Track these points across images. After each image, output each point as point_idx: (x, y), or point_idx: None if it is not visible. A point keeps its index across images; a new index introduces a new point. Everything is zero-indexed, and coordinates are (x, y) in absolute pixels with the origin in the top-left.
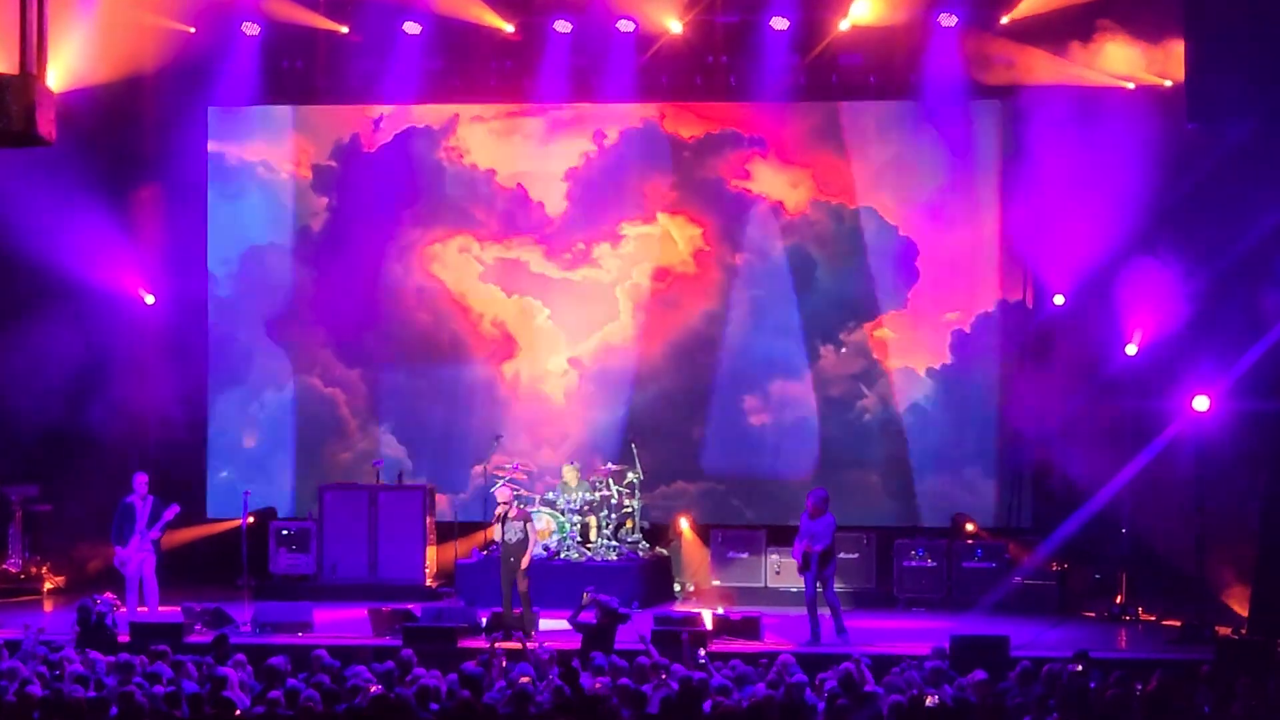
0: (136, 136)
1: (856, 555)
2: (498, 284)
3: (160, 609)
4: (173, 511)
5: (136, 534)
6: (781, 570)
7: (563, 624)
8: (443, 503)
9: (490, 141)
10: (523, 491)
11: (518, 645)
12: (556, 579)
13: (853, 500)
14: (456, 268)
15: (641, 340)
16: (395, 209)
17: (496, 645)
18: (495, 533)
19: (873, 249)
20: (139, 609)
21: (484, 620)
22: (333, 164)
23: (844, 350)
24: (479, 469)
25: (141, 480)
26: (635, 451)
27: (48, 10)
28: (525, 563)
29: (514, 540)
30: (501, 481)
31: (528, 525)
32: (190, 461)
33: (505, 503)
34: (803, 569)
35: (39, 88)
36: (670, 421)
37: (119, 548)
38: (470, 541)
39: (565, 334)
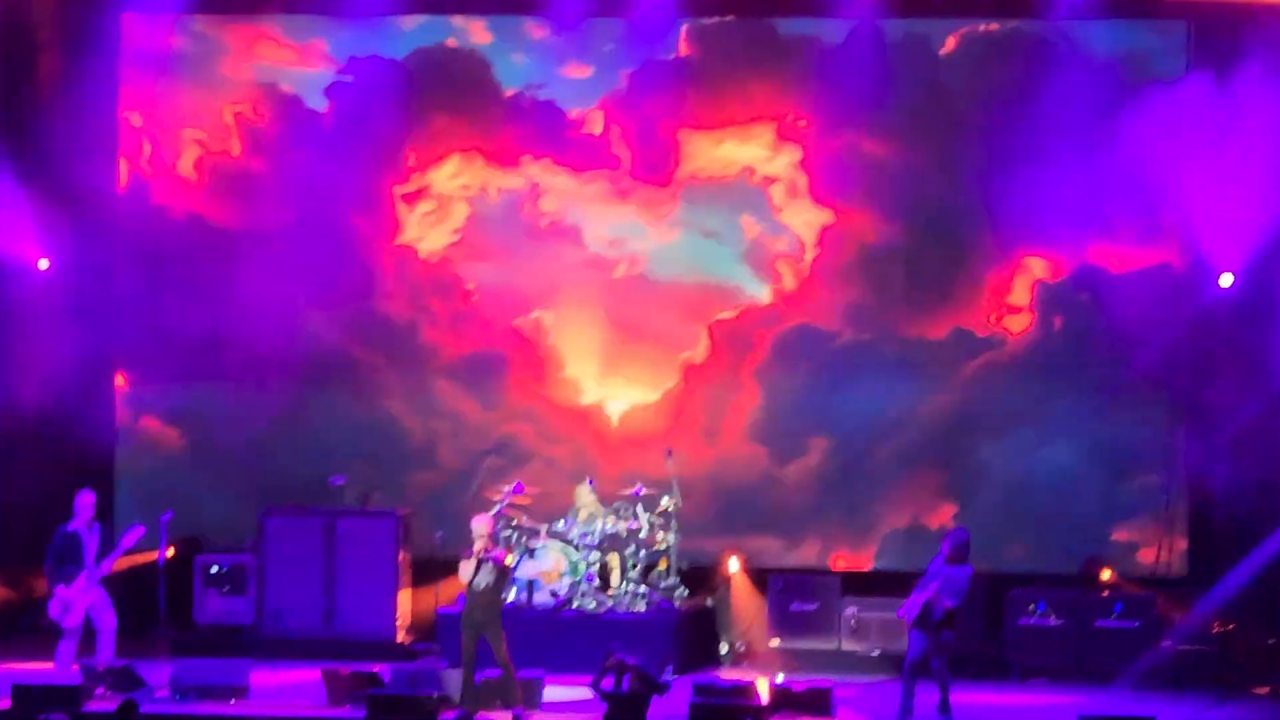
0: (33, 57)
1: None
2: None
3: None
4: (136, 534)
5: (84, 570)
6: (860, 628)
7: (578, 691)
8: (421, 533)
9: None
10: (522, 519)
11: None
12: (567, 636)
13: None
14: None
15: None
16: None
17: None
18: (464, 575)
19: None
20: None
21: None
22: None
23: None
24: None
25: (87, 501)
26: (671, 465)
27: None
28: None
29: (483, 586)
30: (497, 508)
31: (503, 568)
32: (94, 472)
33: (484, 536)
34: (917, 624)
35: None
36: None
37: (60, 588)
38: (456, 585)
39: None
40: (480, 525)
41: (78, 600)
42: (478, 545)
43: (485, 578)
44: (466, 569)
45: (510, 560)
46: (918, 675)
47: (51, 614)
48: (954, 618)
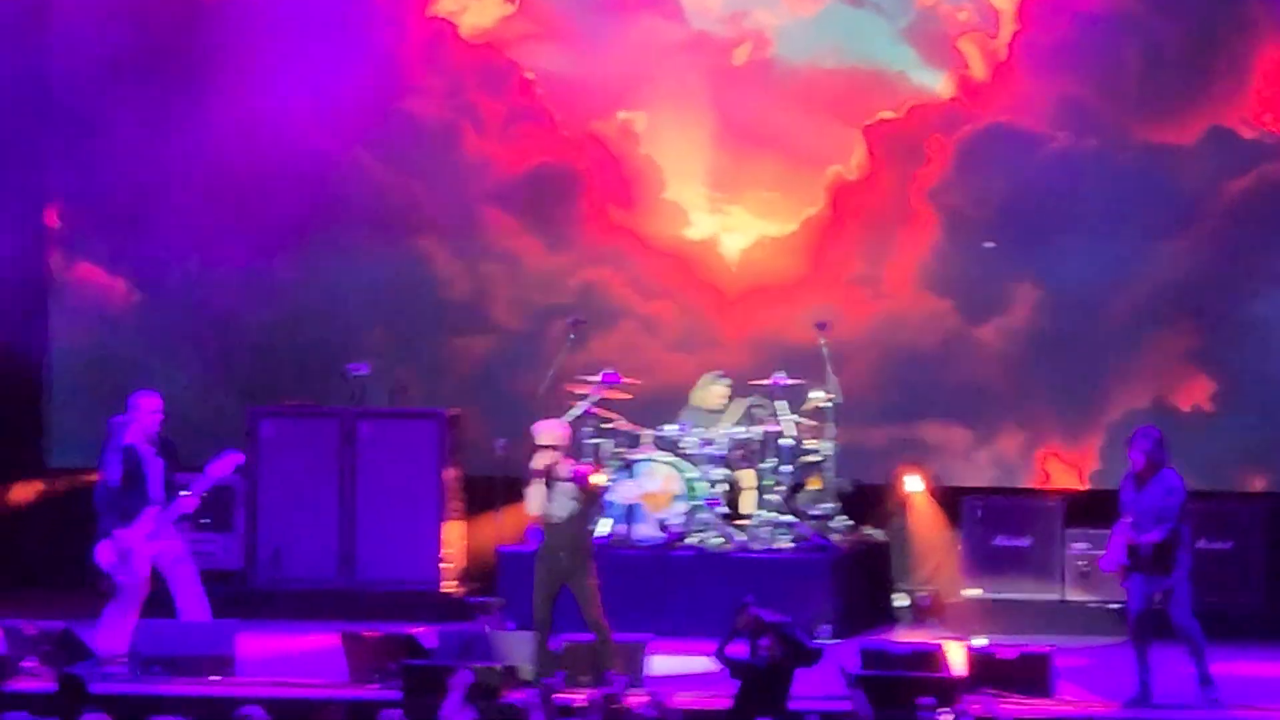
0: None
1: (1228, 545)
2: None
3: None
4: (231, 461)
5: (151, 506)
6: (1091, 571)
7: (696, 661)
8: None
9: None
10: (617, 421)
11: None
12: (682, 583)
13: (1210, 442)
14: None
15: None
16: None
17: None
18: (532, 504)
19: None
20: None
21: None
22: None
23: None
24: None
25: (152, 403)
26: (826, 348)
27: None
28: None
29: (563, 517)
30: (579, 409)
31: (589, 490)
32: (17, 373)
33: (553, 446)
34: (1127, 574)
35: None
36: None
37: (120, 530)
38: (525, 514)
39: None
40: (548, 433)
41: (140, 549)
42: (543, 460)
43: (563, 505)
44: (535, 495)
45: (600, 479)
46: (1148, 636)
47: (101, 562)
48: (1176, 552)
